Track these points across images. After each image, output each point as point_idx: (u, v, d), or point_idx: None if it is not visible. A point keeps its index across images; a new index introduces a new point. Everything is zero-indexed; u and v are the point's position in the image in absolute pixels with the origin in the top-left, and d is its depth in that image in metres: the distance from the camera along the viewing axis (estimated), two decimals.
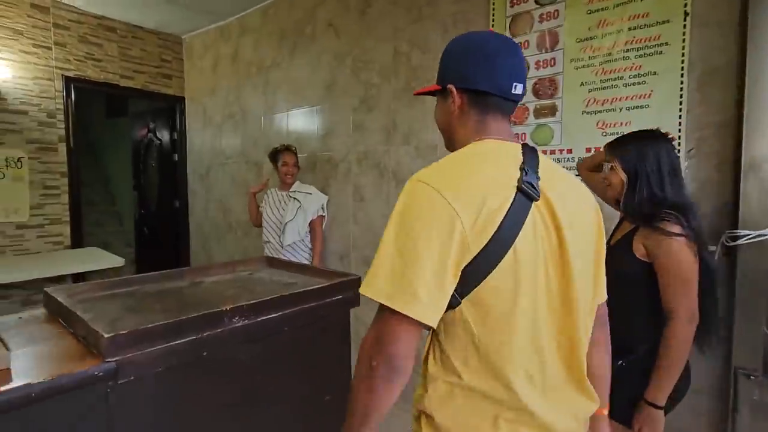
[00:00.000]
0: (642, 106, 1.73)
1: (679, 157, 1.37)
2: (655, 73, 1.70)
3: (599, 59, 1.83)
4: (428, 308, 0.63)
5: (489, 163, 0.71)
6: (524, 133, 2.06)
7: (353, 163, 2.84)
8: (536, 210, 0.68)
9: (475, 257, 0.64)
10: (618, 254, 1.21)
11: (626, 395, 1.15)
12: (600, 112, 1.83)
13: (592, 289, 0.79)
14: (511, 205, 0.65)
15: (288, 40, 3.24)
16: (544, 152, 2.00)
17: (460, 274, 0.64)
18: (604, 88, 1.82)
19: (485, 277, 0.65)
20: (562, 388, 0.73)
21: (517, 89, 0.77)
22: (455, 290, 0.65)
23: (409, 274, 0.63)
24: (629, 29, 1.74)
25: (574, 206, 0.74)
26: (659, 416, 1.14)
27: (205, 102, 4.09)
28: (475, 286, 0.65)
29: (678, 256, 1.11)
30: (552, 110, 1.97)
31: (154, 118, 4.56)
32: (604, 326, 0.88)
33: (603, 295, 0.84)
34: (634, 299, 1.20)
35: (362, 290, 0.67)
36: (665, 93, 1.68)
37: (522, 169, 0.69)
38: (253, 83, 3.56)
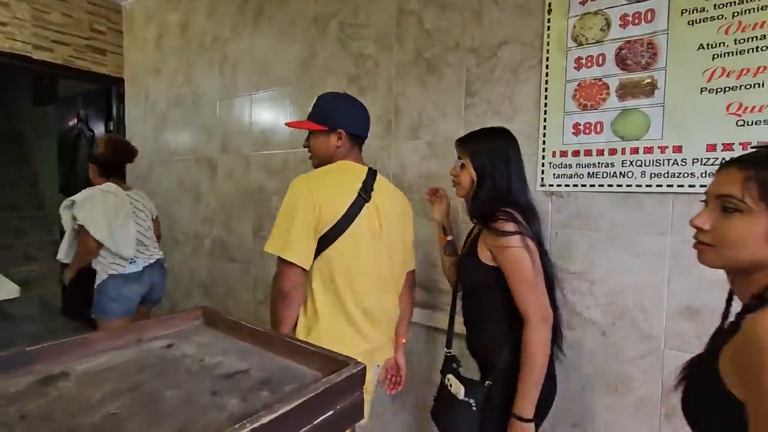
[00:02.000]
0: None
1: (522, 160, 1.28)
2: None
3: (732, 7, 1.18)
4: (300, 254, 1.12)
5: (345, 176, 1.24)
6: (600, 122, 1.39)
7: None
8: (367, 207, 1.21)
9: (329, 230, 1.15)
10: (466, 264, 1.25)
11: (496, 420, 1.15)
12: (733, 89, 1.18)
13: (402, 257, 1.36)
14: (353, 202, 1.18)
15: (252, 4, 2.47)
16: (635, 149, 1.33)
17: (318, 238, 1.15)
18: (740, 53, 1.17)
19: (334, 242, 1.16)
20: (380, 318, 1.28)
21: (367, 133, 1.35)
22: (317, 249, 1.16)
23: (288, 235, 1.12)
24: None
25: (391, 206, 1.31)
26: (529, 430, 1.09)
27: (147, 84, 3.25)
28: (329, 246, 1.16)
29: (514, 254, 1.11)
30: (648, 88, 1.31)
31: (85, 104, 3.66)
32: (412, 287, 1.45)
33: (411, 265, 1.43)
34: (491, 309, 1.21)
35: (266, 249, 1.14)
36: None
37: (363, 182, 1.23)
38: (208, 60, 2.77)
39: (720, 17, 1.19)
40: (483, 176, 1.21)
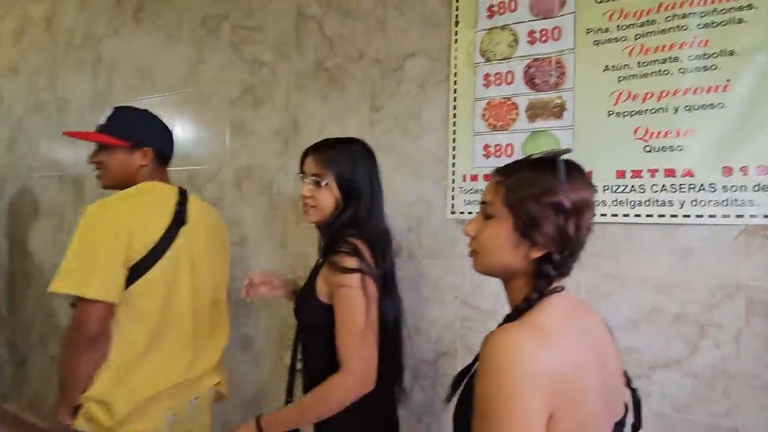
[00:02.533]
0: (712, 105, 1.05)
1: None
2: (731, 53, 1.03)
3: (635, 29, 1.13)
4: (104, 288, 0.97)
5: (155, 198, 1.12)
6: (510, 144, 1.27)
7: (229, 184, 1.80)
8: (184, 230, 1.10)
9: (142, 258, 1.02)
10: (302, 299, 1.07)
11: None
12: (639, 113, 1.12)
13: (216, 281, 1.24)
14: (168, 226, 1.07)
15: None
16: None
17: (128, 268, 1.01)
18: (644, 76, 1.12)
19: (148, 271, 1.03)
20: (201, 346, 1.17)
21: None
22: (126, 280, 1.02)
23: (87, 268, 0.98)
24: None
25: (208, 228, 1.22)
26: None
27: (1, 86, 2.68)
28: (142, 275, 1.03)
29: (348, 295, 0.93)
30: (557, 109, 1.21)
31: None
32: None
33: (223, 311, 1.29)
34: (324, 349, 0.97)
35: (54, 288, 0.97)
36: (752, 85, 1.02)
37: (176, 204, 1.12)
38: (78, 60, 2.33)
39: (623, 39, 1.14)
40: (350, 198, 1.02)
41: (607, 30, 1.16)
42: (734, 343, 1.03)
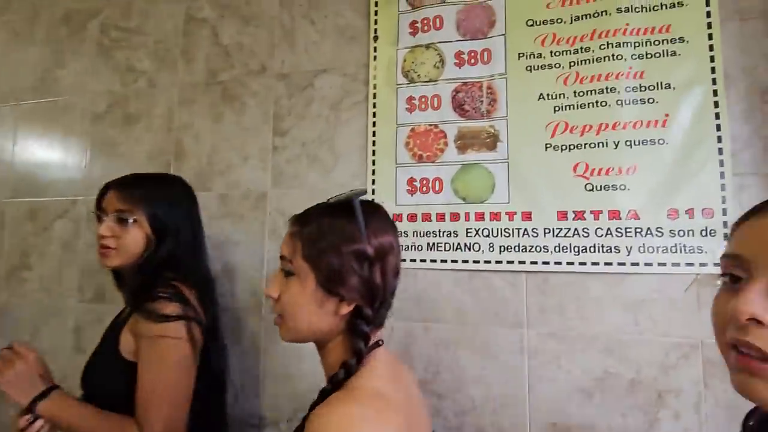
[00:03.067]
0: (653, 141, 0.95)
1: None
2: (668, 86, 0.95)
3: (569, 56, 1.02)
4: None
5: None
6: (439, 179, 1.07)
7: (85, 221, 1.38)
8: None
9: None
10: (95, 363, 0.86)
11: None
12: (578, 147, 0.99)
13: None
14: None
15: None
16: (480, 215, 1.04)
17: None
18: (582, 107, 1.00)
19: None
20: None
21: None
22: None
23: None
24: (617, 10, 0.99)
25: None
26: None
27: None
28: None
29: (166, 347, 0.77)
30: (490, 140, 1.05)
31: None
32: None
33: None
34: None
35: None
36: (690, 121, 0.94)
37: None
38: None
39: (557, 66, 1.02)
40: (164, 235, 0.87)
41: (540, 55, 1.04)
42: (695, 413, 0.89)
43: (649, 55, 0.97)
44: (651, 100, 0.96)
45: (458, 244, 1.05)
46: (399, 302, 1.10)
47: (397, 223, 1.06)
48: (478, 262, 1.03)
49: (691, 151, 0.93)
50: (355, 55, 1.18)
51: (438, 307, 1.06)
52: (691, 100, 0.94)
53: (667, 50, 0.96)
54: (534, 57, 1.04)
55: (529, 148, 1.02)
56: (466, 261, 1.04)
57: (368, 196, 1.11)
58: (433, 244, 1.06)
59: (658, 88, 0.96)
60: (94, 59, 1.45)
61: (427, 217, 1.07)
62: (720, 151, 0.92)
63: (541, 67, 1.03)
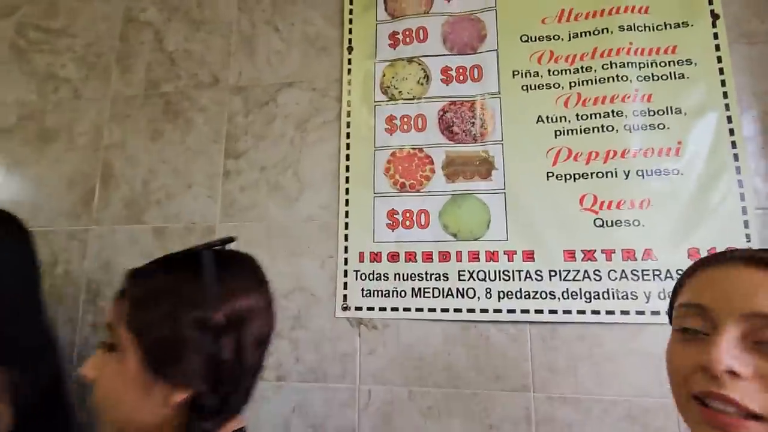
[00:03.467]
0: (667, 171, 0.84)
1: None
2: (679, 111, 0.86)
3: (569, 76, 0.91)
4: None
5: None
6: (425, 211, 0.91)
7: None
8: None
9: None
10: None
11: None
12: (584, 176, 0.87)
13: None
14: None
15: None
16: (475, 254, 0.88)
17: None
18: (586, 131, 0.88)
19: None
20: None
21: None
22: None
23: None
24: (620, 28, 0.90)
25: None
26: None
27: None
28: None
29: None
30: (484, 167, 0.91)
31: None
32: None
33: None
34: None
35: None
36: (706, 150, 0.84)
37: None
38: None
39: (556, 86, 0.91)
40: None
41: (537, 74, 0.92)
42: None
43: (656, 77, 0.88)
44: (661, 126, 0.86)
45: (449, 289, 0.87)
46: (377, 362, 0.91)
47: (376, 264, 0.88)
48: (473, 311, 0.86)
49: (709, 183, 0.83)
50: (326, 68, 1.02)
51: (425, 367, 0.87)
52: (705, 126, 0.84)
53: (674, 72, 0.87)
54: (530, 75, 0.92)
55: (528, 177, 0.89)
56: (458, 310, 0.86)
57: (339, 233, 0.92)
58: (419, 289, 0.88)
59: (668, 113, 0.86)
60: (6, 63, 1.20)
61: (411, 257, 0.90)
62: (740, 183, 0.82)
63: (539, 86, 0.92)
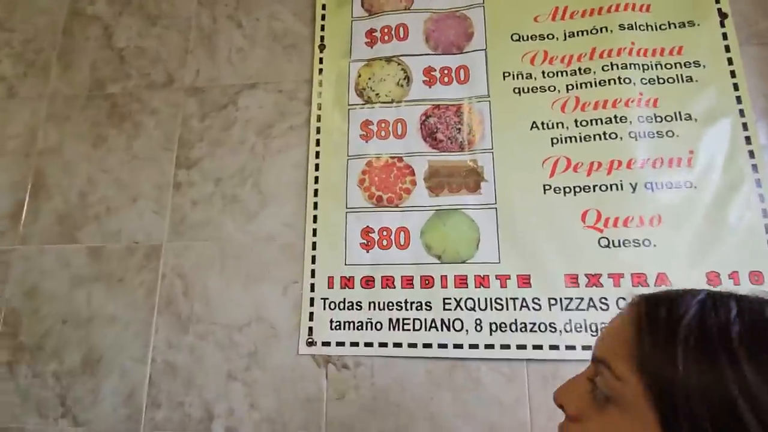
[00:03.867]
0: (679, 184, 0.74)
1: None
2: (689, 117, 0.76)
3: (566, 78, 0.81)
4: None
5: None
6: (404, 229, 0.79)
7: None
8: None
9: None
10: None
11: None
12: (586, 190, 0.76)
13: None
14: None
15: None
16: (462, 279, 0.75)
17: None
18: (586, 139, 0.78)
19: None
20: None
21: None
22: None
23: None
24: (620, 27, 0.81)
25: None
26: None
27: None
28: None
29: None
30: (472, 179, 0.79)
31: None
32: None
33: None
34: None
35: None
36: (721, 160, 0.74)
37: None
38: None
39: (552, 89, 0.81)
40: None
41: (530, 76, 0.83)
42: None
43: (661, 80, 0.79)
44: (670, 133, 0.76)
45: (432, 320, 0.74)
46: (347, 409, 0.76)
47: (347, 291, 0.75)
48: (460, 346, 0.73)
49: (727, 197, 0.73)
50: (295, 68, 0.91)
51: (404, 415, 0.73)
52: (718, 134, 0.75)
53: (682, 75, 0.78)
54: (523, 77, 0.83)
55: (523, 190, 0.77)
56: (443, 345, 0.73)
57: (305, 254, 0.79)
58: (398, 320, 0.75)
59: (677, 119, 0.77)
60: None
61: (388, 283, 0.77)
62: (761, 197, 0.72)
63: (532, 89, 0.82)
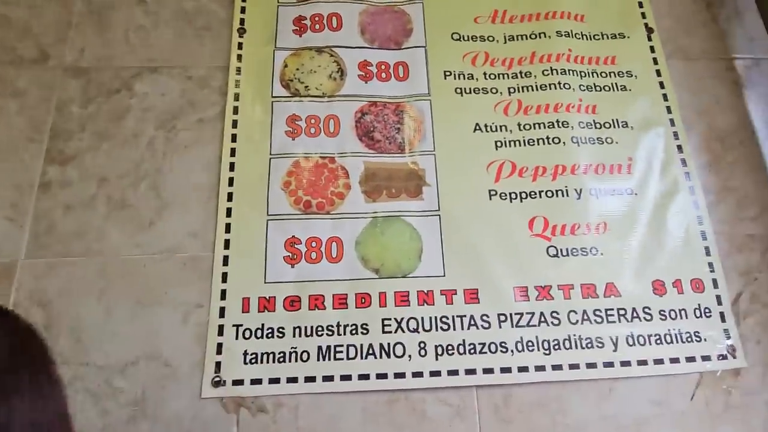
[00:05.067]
0: (620, 191, 0.72)
1: None
2: (625, 125, 0.76)
3: (507, 81, 0.78)
4: None
5: None
6: (336, 239, 0.67)
7: None
8: None
9: None
10: None
11: None
12: (533, 196, 0.71)
13: None
14: None
15: None
16: (404, 296, 0.65)
17: None
18: (529, 143, 0.74)
19: None
20: None
21: None
22: None
23: None
24: (557, 33, 0.80)
25: None
26: None
27: None
28: None
29: None
30: (413, 183, 0.71)
31: None
32: None
33: None
34: None
35: None
36: (656, 169, 0.74)
37: None
38: None
39: (494, 91, 0.77)
40: None
41: (472, 77, 0.78)
42: None
43: (598, 88, 0.78)
44: (609, 140, 0.75)
45: (370, 346, 0.63)
46: None
47: (267, 315, 0.61)
48: (402, 375, 0.62)
49: (665, 205, 0.72)
50: (208, 52, 0.78)
51: None
52: (653, 142, 0.75)
53: (617, 84, 0.79)
54: (465, 78, 0.78)
55: (467, 196, 0.71)
56: (382, 376, 0.62)
57: (214, 271, 0.65)
58: (328, 348, 0.63)
59: (614, 126, 0.76)
60: None
61: (317, 303, 0.65)
62: (695, 204, 0.72)
63: (475, 90, 0.77)
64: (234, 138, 0.72)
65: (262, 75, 0.76)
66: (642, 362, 0.64)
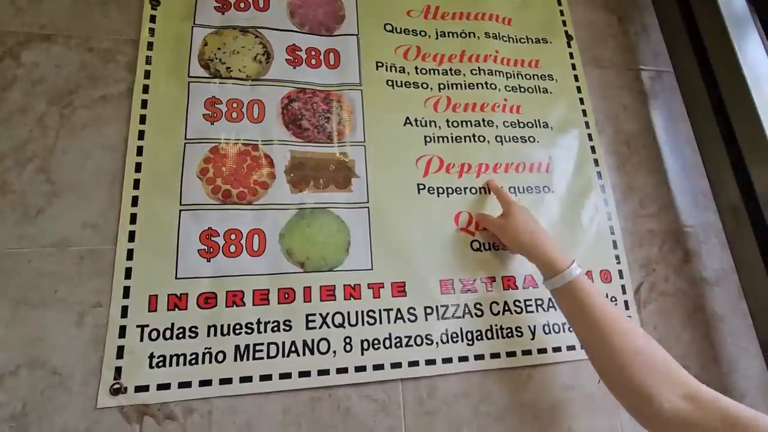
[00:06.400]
0: (539, 189, 0.76)
1: None
2: (546, 125, 0.80)
3: (438, 77, 0.79)
4: None
5: None
6: (258, 232, 0.63)
7: None
8: None
9: None
10: None
11: None
12: (458, 191, 0.72)
13: None
14: None
15: None
16: (330, 291, 0.63)
17: None
18: (457, 140, 0.75)
19: None
20: None
21: None
22: None
23: None
24: (485, 35, 0.83)
25: None
26: None
27: None
28: None
29: None
30: (341, 172, 0.69)
31: None
32: None
33: None
34: None
35: None
36: (572, 166, 0.79)
37: None
38: None
39: (425, 86, 0.77)
40: None
41: (403, 70, 0.77)
42: None
43: (522, 89, 0.81)
44: (531, 139, 0.78)
45: (292, 343, 0.60)
46: None
47: (178, 314, 0.56)
48: (326, 372, 0.60)
49: (578, 202, 0.77)
50: (114, 24, 0.70)
51: None
52: (570, 143, 0.80)
53: (539, 86, 0.82)
54: (396, 70, 0.77)
55: (396, 189, 0.70)
56: (305, 374, 0.59)
57: (116, 266, 0.58)
58: (247, 348, 0.59)
59: (536, 126, 0.79)
60: None
61: (236, 299, 0.60)
62: (606, 201, 0.78)
63: (406, 84, 0.76)
64: (143, 119, 0.65)
65: (177, 52, 0.69)
66: (557, 349, 0.68)
